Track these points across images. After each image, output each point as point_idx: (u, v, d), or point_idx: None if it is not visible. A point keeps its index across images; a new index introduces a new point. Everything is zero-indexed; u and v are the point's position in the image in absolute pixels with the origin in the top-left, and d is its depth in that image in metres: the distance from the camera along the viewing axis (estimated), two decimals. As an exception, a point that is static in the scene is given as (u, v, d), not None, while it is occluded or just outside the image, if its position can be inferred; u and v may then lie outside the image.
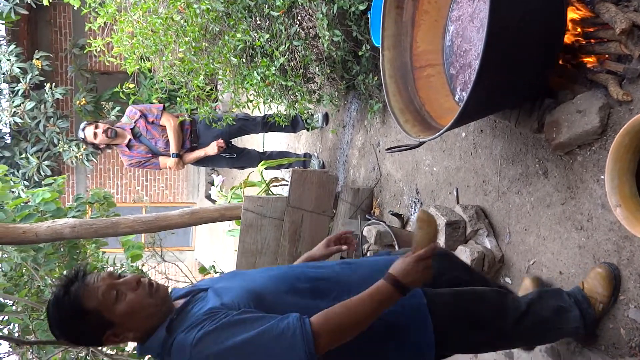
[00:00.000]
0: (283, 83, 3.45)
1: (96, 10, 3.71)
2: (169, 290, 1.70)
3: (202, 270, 5.69)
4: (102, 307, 1.46)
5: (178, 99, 3.91)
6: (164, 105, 4.51)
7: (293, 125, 4.64)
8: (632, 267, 1.84)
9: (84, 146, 7.42)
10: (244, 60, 3.46)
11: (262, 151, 5.13)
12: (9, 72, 7.68)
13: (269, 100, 3.70)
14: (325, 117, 4.68)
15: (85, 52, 4.65)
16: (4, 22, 7.94)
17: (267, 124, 4.61)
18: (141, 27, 3.53)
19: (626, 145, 1.33)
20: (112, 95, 8.12)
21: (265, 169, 4.50)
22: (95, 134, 4.30)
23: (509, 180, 2.46)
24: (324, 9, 3.06)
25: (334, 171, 4.50)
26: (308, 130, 4.74)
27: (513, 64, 1.97)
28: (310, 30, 3.47)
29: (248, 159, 4.85)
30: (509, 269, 2.48)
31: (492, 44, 1.80)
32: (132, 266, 5.34)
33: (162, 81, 3.90)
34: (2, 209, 4.35)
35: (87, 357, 4.67)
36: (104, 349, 4.85)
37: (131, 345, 5.32)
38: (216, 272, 5.49)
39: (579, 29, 2.14)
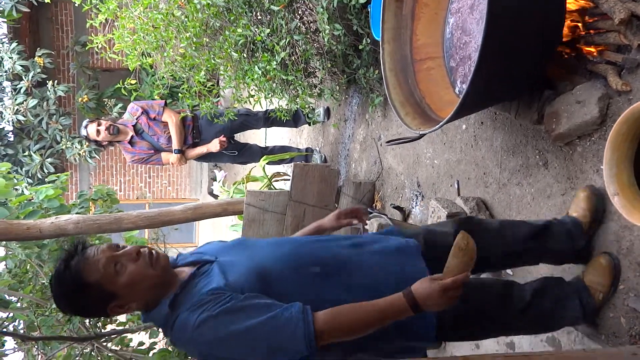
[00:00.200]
0: (284, 78, 3.46)
1: (97, 7, 3.72)
2: (176, 256, 1.72)
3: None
4: (103, 280, 1.47)
5: (180, 94, 3.92)
6: (165, 102, 4.53)
7: (295, 120, 4.65)
8: (631, 256, 1.85)
9: (87, 143, 7.46)
10: (245, 55, 3.47)
11: (264, 146, 5.14)
12: (11, 70, 7.71)
13: (270, 95, 3.71)
14: (327, 112, 4.69)
15: (87, 49, 4.66)
16: (5, 19, 7.96)
17: (268, 119, 4.62)
18: (142, 23, 3.54)
19: (624, 134, 1.34)
20: (114, 92, 8.15)
21: (267, 163, 4.52)
22: (97, 131, 4.32)
23: (509, 171, 2.47)
24: (324, 2, 3.06)
25: (336, 165, 4.51)
26: (310, 124, 4.75)
27: (512, 55, 1.97)
28: (311, 24, 3.48)
29: (250, 154, 4.86)
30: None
31: (490, 36, 1.80)
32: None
33: (163, 77, 3.91)
34: (6, 206, 4.37)
35: (92, 353, 4.70)
36: (109, 344, 4.89)
37: (136, 341, 5.35)
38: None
39: (578, 20, 2.14)
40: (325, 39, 3.21)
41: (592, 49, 2.11)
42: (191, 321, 1.43)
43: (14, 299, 5.16)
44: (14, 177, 5.58)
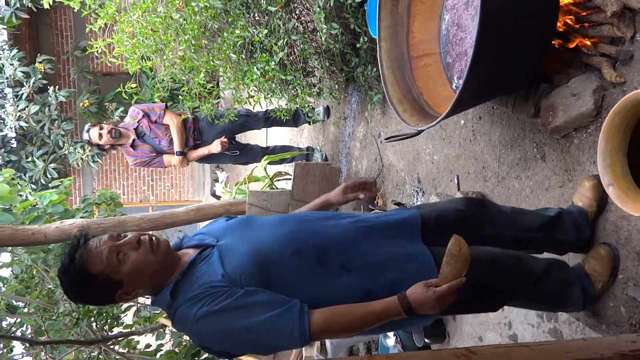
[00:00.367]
0: (283, 77, 3.48)
1: (96, 11, 3.75)
2: (182, 237, 1.76)
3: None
4: (107, 270, 1.51)
5: (180, 97, 3.95)
6: (166, 104, 4.55)
7: (295, 119, 4.67)
8: (630, 246, 1.87)
9: (89, 148, 7.49)
10: (244, 57, 3.49)
11: (265, 146, 5.17)
12: (12, 77, 7.76)
13: (269, 96, 3.74)
14: (327, 111, 4.71)
15: (86, 53, 4.69)
16: (5, 26, 8.00)
17: (269, 119, 4.65)
18: (141, 27, 3.57)
19: (617, 125, 1.36)
20: (115, 96, 8.18)
21: (268, 163, 4.54)
22: (100, 135, 4.35)
23: (508, 165, 2.49)
24: (320, 2, 3.09)
25: (337, 163, 4.53)
26: (310, 124, 4.77)
27: (507, 50, 1.99)
28: (309, 24, 3.50)
29: (251, 154, 4.89)
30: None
31: (485, 31, 1.82)
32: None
33: (163, 80, 3.94)
34: (11, 212, 4.41)
35: (100, 356, 4.74)
36: (116, 347, 4.93)
37: (143, 343, 5.39)
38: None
39: (572, 13, 2.16)
40: (323, 38, 3.23)
41: (586, 42, 2.12)
42: (190, 316, 1.47)
43: (20, 304, 5.21)
44: (18, 183, 5.63)
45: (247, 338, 1.47)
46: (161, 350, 5.02)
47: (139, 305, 5.26)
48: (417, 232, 1.73)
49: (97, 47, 3.86)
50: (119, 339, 4.81)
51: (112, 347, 4.77)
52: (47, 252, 4.52)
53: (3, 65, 7.80)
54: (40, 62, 7.91)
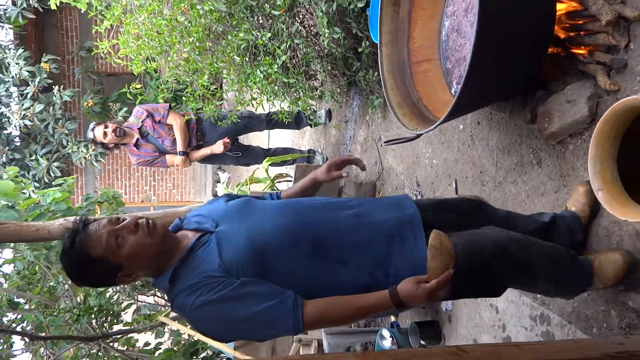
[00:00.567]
0: (285, 80, 3.53)
1: (102, 13, 3.80)
2: (182, 218, 1.79)
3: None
4: (107, 254, 1.55)
5: (184, 98, 4.00)
6: (170, 105, 4.61)
7: (297, 122, 4.72)
8: (621, 250, 1.90)
9: (93, 147, 7.55)
10: (247, 59, 3.54)
11: (267, 148, 5.22)
12: (18, 76, 7.83)
13: (272, 98, 3.78)
14: (329, 114, 4.76)
15: (92, 54, 4.75)
16: (12, 26, 8.07)
17: (271, 121, 4.70)
18: (146, 29, 3.62)
19: (607, 132, 1.40)
20: (119, 97, 8.25)
21: (270, 165, 4.59)
22: (105, 134, 4.40)
23: (505, 170, 2.53)
24: (323, 7, 3.13)
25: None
26: (311, 126, 4.82)
27: (504, 57, 2.03)
28: (312, 28, 3.55)
29: (253, 155, 4.94)
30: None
31: (482, 38, 1.86)
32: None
33: (167, 81, 3.99)
34: (15, 209, 4.46)
35: (99, 353, 4.78)
36: (115, 344, 4.97)
37: (142, 341, 5.43)
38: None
39: (569, 22, 2.21)
40: (325, 42, 3.28)
41: (582, 50, 2.17)
42: (188, 304, 1.51)
43: (22, 300, 5.25)
44: (22, 181, 5.69)
45: (243, 327, 1.52)
46: (160, 348, 5.07)
47: (139, 303, 5.30)
48: (411, 203, 1.78)
49: (102, 48, 3.92)
50: (119, 336, 4.84)
51: (111, 344, 4.81)
52: (50, 249, 4.56)
53: (9, 64, 7.87)
54: (45, 62, 7.99)
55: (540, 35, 2.11)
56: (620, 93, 1.92)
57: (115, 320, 4.84)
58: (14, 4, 7.94)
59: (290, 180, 4.35)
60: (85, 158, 8.13)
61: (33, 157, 8.23)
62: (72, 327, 4.37)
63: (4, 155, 8.29)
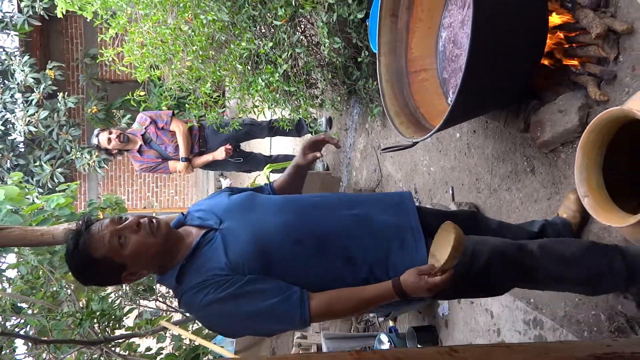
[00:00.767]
0: (286, 89, 3.60)
1: (108, 21, 3.88)
2: (185, 213, 1.79)
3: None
4: (110, 254, 1.56)
5: (187, 105, 4.07)
6: (173, 112, 4.68)
7: (298, 129, 4.79)
8: (611, 256, 1.96)
9: (96, 153, 7.62)
10: (249, 68, 3.61)
11: (268, 155, 5.28)
12: (23, 83, 7.92)
13: (273, 106, 3.85)
14: (329, 121, 4.83)
15: (97, 61, 4.83)
16: (17, 33, 8.18)
17: (272, 129, 4.76)
18: (151, 38, 3.70)
19: (592, 142, 1.46)
20: (123, 103, 8.34)
21: (271, 171, 4.65)
22: (109, 140, 4.47)
23: (499, 177, 2.59)
24: (324, 17, 3.20)
25: (338, 173, 4.64)
26: (312, 134, 4.88)
27: (498, 67, 2.10)
28: (313, 37, 3.63)
29: (255, 162, 5.01)
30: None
31: (476, 49, 1.93)
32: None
33: (171, 89, 4.06)
34: (19, 214, 4.52)
35: (101, 358, 4.82)
36: (117, 349, 5.01)
37: (143, 346, 5.47)
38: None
39: (562, 34, 2.27)
40: (326, 52, 3.35)
41: (574, 61, 2.23)
42: (196, 302, 1.54)
43: (25, 305, 5.30)
44: (25, 186, 5.76)
45: (250, 323, 1.56)
46: (161, 353, 5.10)
47: (141, 308, 5.35)
48: (410, 201, 1.82)
49: (107, 56, 3.99)
50: (121, 340, 4.89)
51: (113, 349, 4.85)
52: (53, 254, 4.62)
53: (14, 71, 7.97)
54: (50, 69, 8.08)
55: (533, 47, 2.18)
56: (610, 103, 1.98)
57: (117, 325, 4.89)
58: (20, 11, 8.05)
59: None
60: (88, 164, 8.21)
61: (37, 163, 8.30)
62: (75, 331, 4.41)
63: (9, 161, 8.37)
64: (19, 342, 5.26)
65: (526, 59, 2.18)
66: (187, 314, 5.13)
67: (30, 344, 4.85)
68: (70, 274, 4.85)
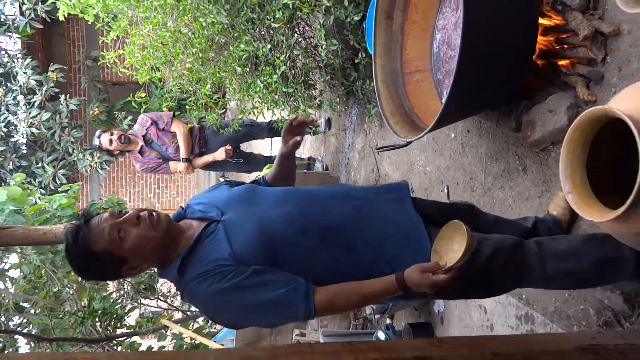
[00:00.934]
0: (285, 90, 3.65)
1: (109, 24, 3.94)
2: (185, 206, 1.78)
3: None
4: (110, 247, 1.55)
5: (187, 106, 4.13)
6: (174, 113, 4.74)
7: (297, 130, 4.84)
8: (599, 252, 2.01)
9: (98, 155, 7.69)
10: (248, 69, 3.67)
11: (268, 155, 5.34)
12: (25, 85, 7.99)
13: (272, 107, 3.91)
14: (328, 123, 4.88)
15: (99, 64, 4.89)
16: (20, 36, 8.24)
17: (272, 130, 4.82)
18: (151, 40, 3.76)
19: (576, 140, 1.51)
20: (124, 105, 8.41)
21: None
22: (110, 141, 4.54)
23: (493, 176, 2.64)
24: (321, 20, 3.26)
25: (336, 173, 4.69)
26: (312, 134, 4.94)
27: (489, 68, 2.15)
28: (311, 40, 3.68)
29: (255, 163, 5.07)
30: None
31: (467, 51, 1.98)
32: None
33: (171, 90, 4.12)
34: (22, 213, 4.58)
35: (103, 356, 4.87)
36: (119, 348, 5.07)
37: (144, 346, 5.53)
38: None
39: (552, 35, 2.32)
40: (323, 54, 3.40)
41: (565, 62, 2.28)
42: (199, 292, 1.53)
43: (27, 305, 5.37)
44: (28, 187, 5.82)
45: (254, 314, 1.56)
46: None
47: (142, 307, 5.40)
48: (407, 194, 1.83)
49: (108, 58, 4.05)
50: (122, 339, 4.95)
51: (114, 347, 4.91)
52: (56, 254, 4.68)
53: (17, 73, 8.04)
54: (52, 71, 8.15)
55: (524, 49, 2.23)
56: (598, 103, 2.03)
57: (119, 324, 4.95)
58: (22, 14, 8.12)
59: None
60: (90, 166, 8.28)
61: (39, 165, 8.37)
62: (77, 329, 4.48)
63: (11, 162, 8.43)
64: (21, 341, 5.32)
65: (517, 60, 2.23)
66: (188, 313, 5.19)
67: (32, 342, 4.91)
68: (72, 273, 4.93)
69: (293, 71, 3.64)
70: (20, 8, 8.10)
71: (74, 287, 5.00)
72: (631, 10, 1.32)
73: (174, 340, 5.11)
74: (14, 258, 5.44)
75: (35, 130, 8.02)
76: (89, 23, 4.20)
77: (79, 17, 4.21)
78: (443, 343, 1.56)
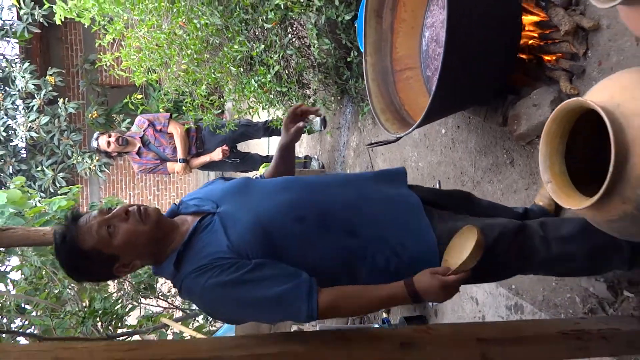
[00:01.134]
0: (279, 89, 3.71)
1: (105, 27, 4.00)
2: (178, 202, 1.73)
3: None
4: (99, 245, 1.50)
5: (183, 107, 4.19)
6: (171, 114, 4.80)
7: (293, 129, 4.90)
8: (583, 241, 2.06)
9: (97, 157, 7.75)
10: (242, 70, 3.72)
11: (265, 155, 5.40)
12: (24, 89, 8.04)
13: (267, 106, 3.96)
14: (324, 122, 4.94)
15: (96, 67, 4.95)
16: (17, 40, 8.30)
17: (268, 129, 4.88)
18: (147, 42, 3.81)
19: (554, 131, 1.56)
20: (123, 108, 8.45)
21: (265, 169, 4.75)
22: (108, 143, 4.60)
23: (482, 170, 2.70)
24: (313, 20, 3.31)
25: (332, 171, 4.75)
26: (307, 133, 5.00)
27: (474, 64, 2.20)
28: (305, 39, 3.74)
29: (251, 162, 5.13)
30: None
31: (451, 47, 2.04)
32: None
33: (168, 92, 4.18)
34: (22, 216, 4.64)
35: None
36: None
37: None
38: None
39: (537, 31, 2.38)
40: (316, 53, 3.46)
41: (550, 58, 2.34)
42: (197, 286, 1.47)
43: (29, 307, 5.42)
44: (28, 191, 5.87)
45: (254, 310, 1.50)
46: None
47: (143, 307, 5.46)
48: (404, 177, 1.81)
49: (105, 61, 4.11)
50: (123, 338, 5.00)
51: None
52: (56, 255, 4.72)
53: (15, 78, 8.10)
54: (50, 75, 8.21)
55: (508, 45, 2.29)
56: (579, 96, 2.08)
57: (119, 323, 5.00)
58: (19, 18, 8.17)
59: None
60: (90, 168, 8.33)
61: (39, 168, 8.43)
62: (78, 329, 4.53)
63: (11, 166, 8.49)
64: (23, 342, 5.37)
65: (502, 56, 2.29)
66: (188, 311, 5.24)
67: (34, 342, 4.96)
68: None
69: (287, 71, 3.70)
70: (18, 13, 8.15)
71: (75, 288, 5.05)
72: (602, 5, 1.37)
73: (173, 338, 5.16)
74: (15, 261, 5.50)
75: (34, 134, 8.07)
76: (86, 27, 4.26)
77: (76, 21, 4.26)
78: (429, 330, 1.61)
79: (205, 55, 3.78)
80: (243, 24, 3.55)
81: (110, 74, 4.49)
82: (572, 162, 1.60)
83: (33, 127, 8.04)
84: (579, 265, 1.74)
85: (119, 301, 5.05)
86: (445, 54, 2.04)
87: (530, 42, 2.39)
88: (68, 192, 5.36)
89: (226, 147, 4.77)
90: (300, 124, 1.87)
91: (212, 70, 3.77)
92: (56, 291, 5.10)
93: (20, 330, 5.22)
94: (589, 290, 2.05)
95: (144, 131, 4.70)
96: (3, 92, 8.35)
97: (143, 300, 5.34)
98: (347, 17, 3.29)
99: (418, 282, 1.46)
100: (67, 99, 8.37)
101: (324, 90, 4.00)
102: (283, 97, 3.89)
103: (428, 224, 1.63)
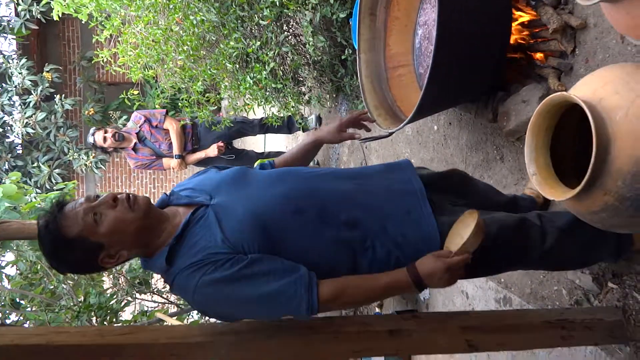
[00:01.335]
0: (274, 86, 3.74)
1: (102, 23, 4.03)
2: (169, 193, 1.65)
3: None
4: (84, 232, 1.42)
5: (179, 103, 4.22)
6: (167, 110, 4.84)
7: (289, 127, 4.94)
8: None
9: (93, 153, 7.78)
10: (238, 66, 3.76)
11: (260, 152, 5.43)
12: (20, 85, 8.06)
13: (262, 103, 4.00)
14: (319, 119, 4.97)
15: (92, 63, 4.97)
16: (15, 37, 8.32)
17: (264, 126, 4.92)
18: (144, 38, 3.84)
19: (539, 125, 1.60)
20: (119, 105, 8.48)
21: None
22: (104, 138, 4.63)
23: (473, 166, 2.74)
24: (308, 17, 3.35)
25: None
26: (303, 130, 5.03)
27: (464, 61, 2.24)
28: (300, 37, 3.78)
29: (247, 159, 5.15)
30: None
31: (442, 45, 2.08)
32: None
33: (165, 90, 4.21)
34: (18, 211, 4.66)
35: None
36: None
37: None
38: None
39: (527, 29, 2.42)
40: (311, 50, 3.50)
41: (539, 56, 2.38)
42: (192, 284, 1.40)
43: (23, 302, 5.44)
44: (24, 187, 5.89)
45: (252, 307, 1.44)
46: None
47: (138, 302, 5.48)
48: (411, 168, 1.76)
49: (102, 57, 4.14)
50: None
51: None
52: (52, 250, 4.74)
53: (12, 74, 8.12)
54: (47, 71, 8.23)
55: (499, 42, 2.33)
56: (567, 93, 2.12)
57: (114, 319, 5.02)
58: (17, 15, 8.19)
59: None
60: (86, 165, 8.35)
61: (35, 164, 8.45)
62: (73, 323, 4.55)
63: (7, 162, 8.51)
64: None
65: (493, 53, 2.33)
66: (183, 307, 5.27)
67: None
68: (68, 269, 5.00)
69: (282, 68, 3.74)
70: (16, 9, 8.18)
71: (71, 284, 5.07)
72: (585, 3, 1.41)
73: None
74: (10, 256, 5.52)
75: (30, 130, 8.09)
76: (83, 23, 4.28)
77: (73, 18, 4.29)
78: (417, 318, 1.65)
79: (202, 51, 3.81)
80: (239, 21, 3.59)
81: (107, 71, 4.53)
82: (558, 156, 1.65)
83: (29, 123, 8.06)
84: (571, 256, 1.77)
85: (114, 296, 5.07)
86: (436, 50, 2.08)
87: (520, 40, 2.43)
88: (64, 187, 5.38)
89: (222, 144, 4.80)
90: (356, 134, 1.83)
91: (208, 67, 3.80)
92: (51, 286, 5.11)
93: (16, 326, 5.24)
94: (575, 283, 2.10)
95: (140, 127, 4.73)
96: (0, 89, 8.36)
97: (138, 295, 5.36)
98: (342, 15, 3.33)
99: (421, 266, 1.43)
100: (63, 95, 8.39)
101: (319, 87, 4.04)
102: (278, 93, 3.92)
103: (430, 212, 1.59)
